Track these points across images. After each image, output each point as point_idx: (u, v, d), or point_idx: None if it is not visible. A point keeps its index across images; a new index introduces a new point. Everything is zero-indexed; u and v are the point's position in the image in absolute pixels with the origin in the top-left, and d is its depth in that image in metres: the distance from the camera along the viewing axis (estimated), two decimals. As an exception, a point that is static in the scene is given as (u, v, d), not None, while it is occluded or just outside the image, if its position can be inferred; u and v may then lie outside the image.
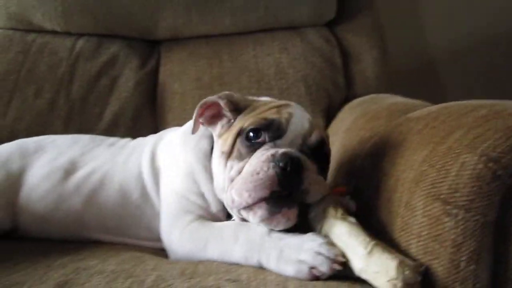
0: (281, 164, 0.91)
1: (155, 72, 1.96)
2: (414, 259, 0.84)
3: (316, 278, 0.85)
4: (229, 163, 1.02)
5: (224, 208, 1.10)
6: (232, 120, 1.10)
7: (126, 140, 1.42)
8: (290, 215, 0.93)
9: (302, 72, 1.89)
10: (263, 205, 0.92)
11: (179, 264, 0.95)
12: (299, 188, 0.93)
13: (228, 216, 1.10)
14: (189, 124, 1.24)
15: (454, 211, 0.80)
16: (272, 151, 0.95)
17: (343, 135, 1.52)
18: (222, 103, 1.09)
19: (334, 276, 0.86)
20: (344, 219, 0.91)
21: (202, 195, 1.14)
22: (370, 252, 0.83)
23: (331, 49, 1.97)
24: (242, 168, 0.98)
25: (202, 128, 1.17)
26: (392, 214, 0.95)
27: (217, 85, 1.86)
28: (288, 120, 1.01)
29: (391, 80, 2.02)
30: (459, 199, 0.80)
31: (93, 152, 1.34)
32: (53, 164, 1.29)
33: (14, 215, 1.25)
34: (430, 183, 0.85)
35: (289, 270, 0.87)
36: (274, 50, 1.94)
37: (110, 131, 1.78)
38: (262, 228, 0.95)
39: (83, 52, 1.90)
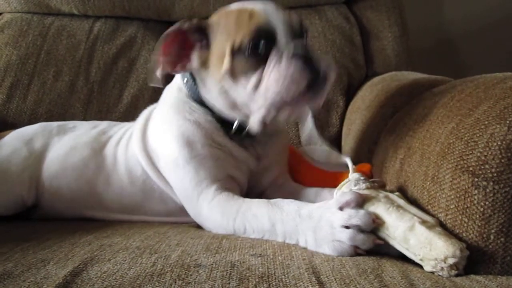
0: (302, 58, 1.00)
1: (173, 53, 1.94)
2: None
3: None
4: (241, 78, 1.05)
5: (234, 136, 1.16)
6: (204, 41, 1.09)
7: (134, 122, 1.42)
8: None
9: (321, 51, 1.87)
10: (307, 93, 1.01)
11: (204, 239, 0.95)
12: (318, 65, 1.02)
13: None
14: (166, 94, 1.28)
15: (483, 183, 0.78)
16: (286, 51, 1.01)
17: (364, 112, 1.50)
18: (186, 26, 1.08)
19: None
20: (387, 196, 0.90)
21: (209, 137, 1.15)
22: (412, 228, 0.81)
23: (350, 27, 1.94)
24: (262, 76, 1.02)
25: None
26: (418, 189, 0.93)
27: (235, 64, 1.85)
28: (270, 20, 1.04)
29: (411, 57, 1.98)
30: (488, 171, 0.78)
31: (107, 134, 1.36)
32: (73, 144, 1.32)
33: (37, 190, 1.29)
34: (458, 155, 0.84)
35: (327, 250, 0.85)
36: (292, 29, 1.91)
37: (129, 113, 1.78)
38: (293, 208, 0.94)
39: (100, 34, 1.91)
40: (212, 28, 1.09)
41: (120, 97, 1.83)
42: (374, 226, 0.84)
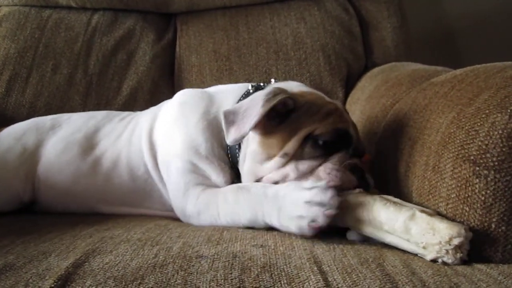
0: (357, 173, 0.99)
1: (171, 45, 1.94)
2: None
3: (318, 230, 0.84)
4: (292, 163, 1.00)
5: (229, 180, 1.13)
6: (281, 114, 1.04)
7: (135, 114, 1.42)
8: None
9: (321, 42, 1.86)
10: None
11: (205, 231, 0.95)
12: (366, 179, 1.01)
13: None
14: (184, 93, 1.27)
15: (484, 172, 0.78)
16: (347, 162, 1.00)
17: (364, 103, 1.50)
18: (290, 102, 1.03)
19: (363, 242, 0.86)
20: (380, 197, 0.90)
21: (210, 163, 1.14)
22: (413, 217, 0.81)
23: (349, 17, 1.93)
24: (313, 168, 0.99)
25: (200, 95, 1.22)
26: (419, 178, 0.93)
27: (234, 56, 1.85)
28: (351, 129, 1.06)
29: (411, 48, 1.98)
30: (489, 159, 0.78)
31: (106, 128, 1.35)
32: (70, 139, 1.32)
33: (34, 187, 1.29)
34: (458, 144, 0.84)
35: (291, 227, 0.86)
36: (291, 20, 1.91)
37: (128, 105, 1.79)
38: (259, 189, 0.95)
39: (99, 26, 1.90)
40: (300, 106, 1.04)
41: (119, 90, 1.82)
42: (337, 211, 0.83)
